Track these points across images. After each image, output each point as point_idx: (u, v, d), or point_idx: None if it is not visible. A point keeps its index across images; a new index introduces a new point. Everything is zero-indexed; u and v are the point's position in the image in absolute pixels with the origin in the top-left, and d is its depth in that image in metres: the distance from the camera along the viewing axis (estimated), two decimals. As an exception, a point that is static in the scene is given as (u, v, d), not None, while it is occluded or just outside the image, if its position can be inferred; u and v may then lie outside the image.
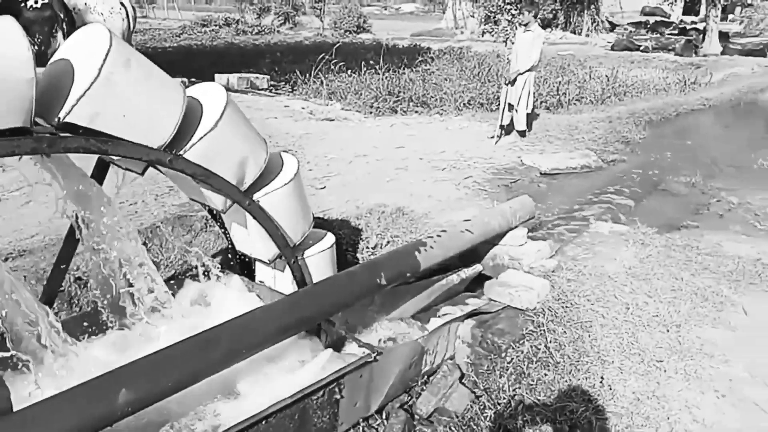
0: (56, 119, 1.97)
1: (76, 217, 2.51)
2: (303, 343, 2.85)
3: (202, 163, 2.43)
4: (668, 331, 3.29)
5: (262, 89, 12.37)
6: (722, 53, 23.42)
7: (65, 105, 1.97)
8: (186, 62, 15.47)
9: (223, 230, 3.35)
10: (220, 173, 2.50)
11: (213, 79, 12.43)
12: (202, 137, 2.42)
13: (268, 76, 13.12)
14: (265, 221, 2.70)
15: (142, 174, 2.64)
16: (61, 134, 1.98)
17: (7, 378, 2.39)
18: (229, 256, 3.45)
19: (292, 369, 2.65)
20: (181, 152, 2.39)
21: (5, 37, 1.73)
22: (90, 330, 2.94)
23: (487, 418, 2.81)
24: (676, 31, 29.10)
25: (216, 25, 28.76)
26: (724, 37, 25.54)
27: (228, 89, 10.33)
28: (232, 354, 2.28)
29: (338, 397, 2.56)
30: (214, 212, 3.16)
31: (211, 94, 2.60)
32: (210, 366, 2.25)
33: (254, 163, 2.71)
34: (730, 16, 33.94)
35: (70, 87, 2.01)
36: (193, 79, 12.44)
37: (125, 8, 2.14)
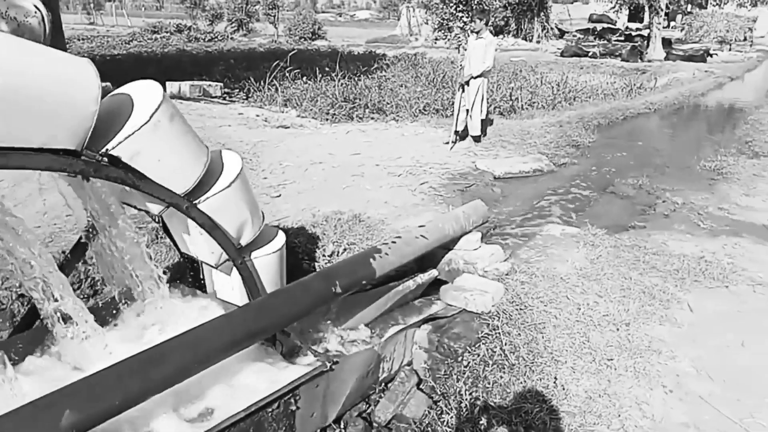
0: (104, 149, 2.20)
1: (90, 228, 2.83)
2: (257, 355, 2.80)
3: (211, 215, 2.65)
4: (618, 329, 3.38)
5: (215, 97, 12.18)
6: (665, 59, 24.43)
7: (114, 139, 2.22)
8: (136, 70, 15.08)
9: (170, 239, 3.29)
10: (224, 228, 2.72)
11: (165, 87, 12.17)
12: (216, 193, 2.68)
13: (222, 84, 12.94)
14: (249, 279, 2.87)
15: (157, 221, 2.84)
16: (105, 163, 2.21)
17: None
18: (183, 263, 3.37)
19: (246, 381, 2.60)
20: (197, 202, 2.62)
21: (82, 72, 2.02)
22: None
23: (445, 423, 2.83)
24: (622, 38, 30.13)
25: (167, 32, 28.24)
26: (667, 43, 26.62)
27: (179, 97, 10.05)
28: (182, 370, 2.22)
29: (294, 408, 2.52)
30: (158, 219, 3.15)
31: (228, 157, 2.90)
32: (159, 383, 2.18)
33: (251, 226, 2.95)
34: (672, 23, 35.38)
35: (120, 125, 2.27)
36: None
37: (40, 11, 2.05)
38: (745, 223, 5.45)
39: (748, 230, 5.23)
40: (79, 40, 24.98)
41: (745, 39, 31.00)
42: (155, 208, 2.71)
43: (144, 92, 2.43)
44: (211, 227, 2.66)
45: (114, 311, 3.02)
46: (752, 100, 14.64)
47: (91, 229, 2.89)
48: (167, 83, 12.27)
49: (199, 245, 2.85)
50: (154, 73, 14.53)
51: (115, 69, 15.31)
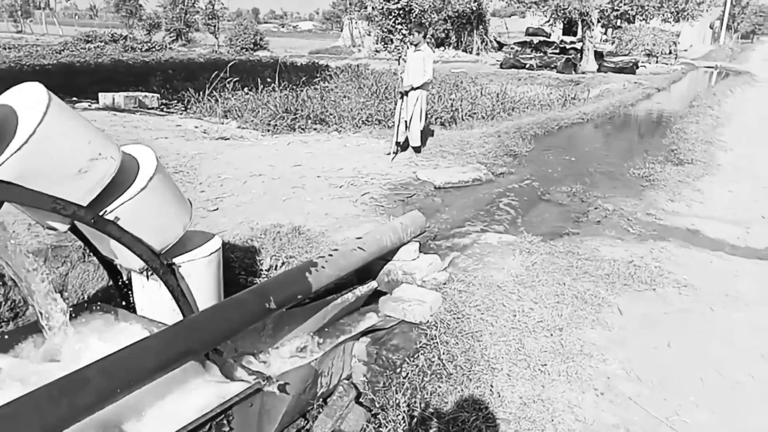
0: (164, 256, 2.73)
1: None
2: (188, 376, 2.70)
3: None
4: (552, 335, 3.46)
5: (152, 108, 11.86)
6: (598, 71, 25.48)
7: (165, 251, 2.76)
8: (67, 80, 14.54)
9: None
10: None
11: (97, 98, 11.76)
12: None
13: (158, 95, 12.60)
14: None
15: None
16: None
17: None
18: (112, 291, 3.24)
19: (176, 404, 2.51)
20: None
21: (185, 206, 2.85)
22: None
23: (383, 436, 2.81)
24: (557, 51, 31.28)
25: (101, 42, 27.41)
26: (599, 56, 27.78)
27: (114, 108, 9.68)
28: (104, 395, 2.11)
29: (227, 429, 2.45)
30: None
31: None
32: (80, 410, 2.07)
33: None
34: (603, 37, 36.95)
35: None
36: (74, 99, 11.70)
37: None
38: (671, 227, 5.72)
39: (673, 234, 5.49)
40: (5, 49, 23.86)
41: (670, 52, 32.74)
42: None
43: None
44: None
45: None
46: (677, 109, 15.43)
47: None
48: (100, 94, 11.87)
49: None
50: (87, 83, 14.05)
51: (45, 80, 14.67)
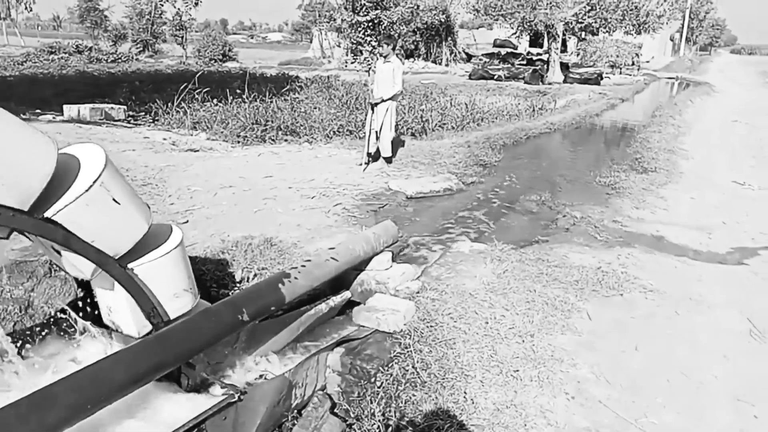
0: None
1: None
2: (161, 390, 2.67)
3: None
4: (523, 341, 3.52)
5: (118, 120, 11.65)
6: (564, 81, 26.02)
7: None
8: (30, 92, 14.23)
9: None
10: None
11: (61, 111, 11.52)
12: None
13: (125, 106, 12.41)
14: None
15: None
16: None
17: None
18: (80, 303, 3.18)
19: (148, 418, 2.47)
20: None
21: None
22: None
23: (358, 446, 2.81)
24: (524, 62, 31.85)
25: (65, 53, 26.90)
26: (564, 67, 28.37)
27: (79, 121, 9.42)
28: (74, 411, 2.07)
29: (200, 443, 2.42)
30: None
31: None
32: (47, 429, 2.02)
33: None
34: (570, 49, 37.79)
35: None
36: (38, 111, 11.46)
37: None
38: (637, 234, 5.87)
39: (639, 241, 5.63)
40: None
41: (633, 63, 33.61)
42: None
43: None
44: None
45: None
46: (641, 119, 15.85)
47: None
48: (65, 106, 11.62)
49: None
50: (52, 95, 13.77)
51: (7, 91, 14.37)
